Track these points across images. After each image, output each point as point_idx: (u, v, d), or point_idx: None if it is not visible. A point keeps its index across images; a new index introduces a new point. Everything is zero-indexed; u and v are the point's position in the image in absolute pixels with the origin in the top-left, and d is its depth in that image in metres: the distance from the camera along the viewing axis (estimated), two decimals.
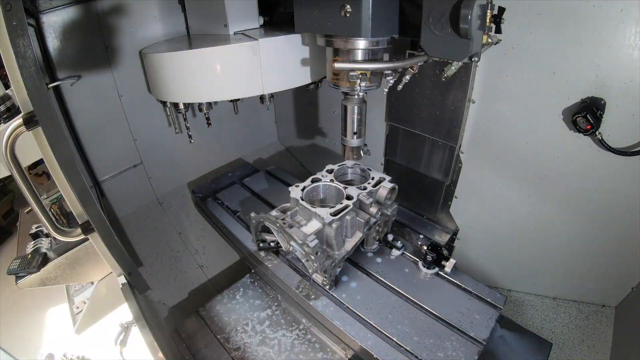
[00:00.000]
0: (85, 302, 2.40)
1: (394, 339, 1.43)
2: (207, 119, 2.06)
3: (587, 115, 1.41)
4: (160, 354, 1.49)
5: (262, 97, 1.85)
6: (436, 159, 1.99)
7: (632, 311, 1.81)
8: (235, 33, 1.83)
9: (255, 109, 2.80)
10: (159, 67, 1.78)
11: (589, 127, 1.42)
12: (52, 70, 1.83)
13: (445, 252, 1.67)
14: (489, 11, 1.08)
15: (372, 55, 1.40)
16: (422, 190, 2.16)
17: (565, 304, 2.05)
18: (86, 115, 2.03)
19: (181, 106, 1.88)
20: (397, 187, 1.68)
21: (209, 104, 1.97)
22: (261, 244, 1.80)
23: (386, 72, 1.39)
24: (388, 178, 1.69)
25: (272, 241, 1.76)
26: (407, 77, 1.46)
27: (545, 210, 1.83)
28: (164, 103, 1.99)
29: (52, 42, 1.80)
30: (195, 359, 1.61)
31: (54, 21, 1.77)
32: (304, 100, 2.77)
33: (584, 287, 1.98)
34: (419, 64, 1.35)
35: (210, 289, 2.32)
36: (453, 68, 1.35)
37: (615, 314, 1.92)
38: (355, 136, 1.60)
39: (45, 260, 1.75)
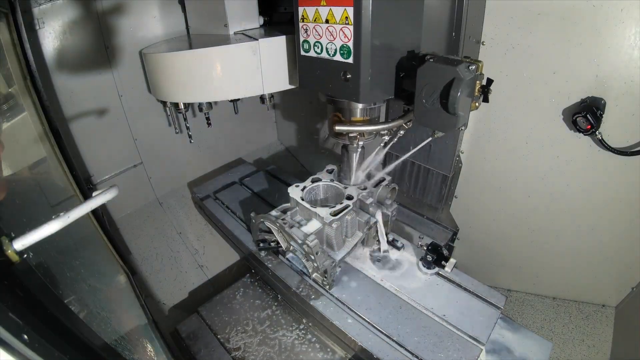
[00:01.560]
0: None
1: (394, 339, 1.43)
2: (207, 119, 2.06)
3: (587, 115, 1.41)
4: (161, 354, 1.49)
5: (262, 97, 1.85)
6: (436, 159, 1.99)
7: (632, 311, 1.81)
8: (235, 33, 1.83)
9: (255, 109, 2.79)
10: (159, 67, 1.78)
11: (589, 127, 1.42)
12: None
13: (445, 252, 1.67)
14: (478, 82, 1.12)
15: (369, 114, 1.49)
16: (422, 190, 2.16)
17: (565, 304, 2.05)
18: (86, 115, 2.03)
19: (181, 106, 1.89)
20: (397, 187, 1.68)
21: (209, 104, 1.97)
22: (261, 244, 1.80)
23: (382, 132, 1.48)
24: (388, 178, 1.69)
25: (272, 241, 1.76)
26: (402, 132, 1.52)
27: (545, 210, 1.83)
28: (164, 103, 1.99)
29: (52, 42, 1.80)
30: (195, 359, 1.61)
31: (54, 21, 1.78)
32: (304, 100, 2.77)
33: (584, 287, 1.98)
34: (412, 120, 1.41)
35: (210, 289, 2.32)
36: (441, 132, 1.38)
37: (615, 314, 1.92)
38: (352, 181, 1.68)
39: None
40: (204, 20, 1.97)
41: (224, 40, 1.74)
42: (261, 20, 1.94)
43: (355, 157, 1.61)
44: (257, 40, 1.65)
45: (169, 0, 2.10)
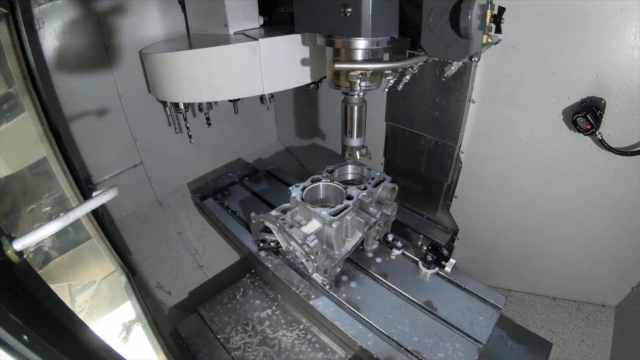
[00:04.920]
0: (87, 301, 2.40)
1: (394, 339, 1.43)
2: (207, 119, 2.06)
3: (587, 115, 1.40)
4: (161, 354, 1.49)
5: (262, 97, 1.85)
6: (436, 159, 1.99)
7: (632, 311, 1.81)
8: (235, 33, 1.83)
9: (255, 109, 2.80)
10: (159, 67, 1.78)
11: (589, 127, 1.42)
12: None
13: (445, 252, 1.67)
14: (489, 11, 1.08)
15: (372, 55, 1.39)
16: (422, 190, 2.16)
17: (565, 304, 2.05)
18: (86, 115, 2.03)
19: (181, 106, 1.89)
20: (397, 187, 1.68)
21: (209, 104, 1.97)
22: (261, 244, 1.80)
23: (386, 72, 1.39)
24: (388, 178, 1.69)
25: (272, 241, 1.76)
26: (407, 77, 1.46)
27: (545, 210, 1.83)
28: (164, 103, 1.99)
29: (52, 42, 1.80)
30: (195, 359, 1.61)
31: (54, 21, 1.78)
32: (304, 100, 2.77)
33: (584, 287, 1.98)
34: (419, 64, 1.35)
35: (210, 289, 2.32)
36: (453, 68, 1.35)
37: (615, 314, 1.92)
38: (355, 135, 1.60)
39: (47, 259, 1.75)
40: (204, 20, 1.97)
41: (224, 40, 1.74)
42: (261, 20, 1.94)
43: (355, 109, 1.50)
44: (257, 40, 1.65)
45: (169, 0, 2.09)
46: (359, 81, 1.37)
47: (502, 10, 1.23)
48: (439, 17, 1.11)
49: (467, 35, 1.06)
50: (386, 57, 1.49)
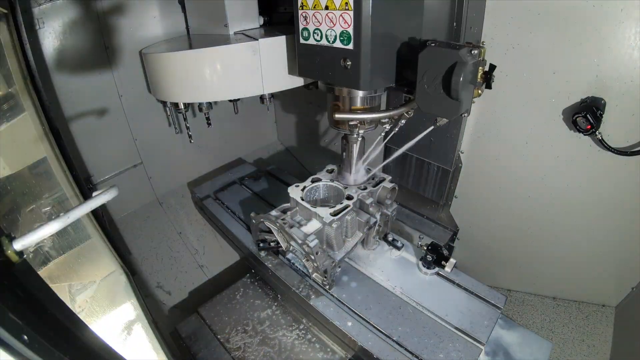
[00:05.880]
0: (87, 301, 2.40)
1: (394, 339, 1.43)
2: (207, 119, 2.06)
3: (587, 115, 1.41)
4: (161, 354, 1.49)
5: (262, 97, 1.85)
6: (436, 159, 1.99)
7: (632, 311, 1.81)
8: (235, 33, 1.83)
9: (255, 109, 2.80)
10: (159, 67, 1.78)
11: (589, 127, 1.42)
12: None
13: (445, 252, 1.67)
14: (480, 68, 1.11)
15: (370, 102, 1.46)
16: (422, 190, 2.16)
17: (565, 304, 2.05)
18: (86, 115, 2.03)
19: (181, 106, 1.88)
20: (397, 187, 1.68)
21: (209, 104, 1.97)
22: (261, 244, 1.80)
23: (383, 120, 1.46)
24: (388, 178, 1.69)
25: (272, 241, 1.76)
26: (403, 121, 1.50)
27: (545, 210, 1.83)
28: (164, 103, 1.99)
29: (52, 42, 1.80)
30: (195, 359, 1.61)
31: (54, 21, 1.78)
32: (304, 100, 2.77)
33: (584, 287, 1.98)
34: (413, 109, 1.40)
35: (210, 289, 2.32)
36: (445, 120, 1.37)
37: (615, 314, 1.92)
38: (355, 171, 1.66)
39: (47, 259, 1.75)
40: (204, 20, 1.97)
41: (224, 40, 1.74)
42: (261, 20, 1.94)
43: (355, 148, 1.58)
44: (257, 40, 1.65)
45: (169, 0, 2.09)
46: (356, 129, 1.48)
47: (492, 67, 1.27)
48: (432, 78, 1.15)
49: (457, 98, 1.10)
50: (384, 97, 1.56)
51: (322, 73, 1.39)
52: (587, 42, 1.38)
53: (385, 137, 1.53)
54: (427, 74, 1.15)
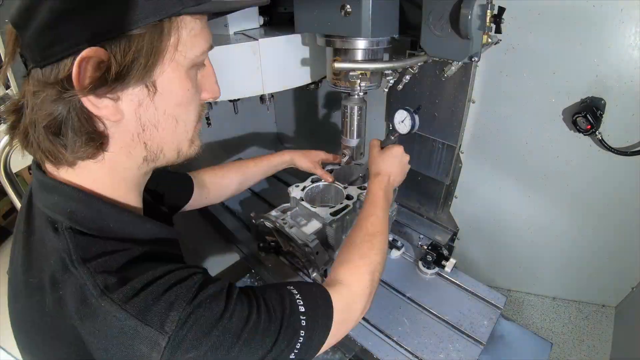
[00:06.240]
0: None
1: (394, 339, 1.43)
2: (207, 119, 2.06)
3: (587, 115, 1.40)
4: None
5: (262, 97, 1.85)
6: (436, 159, 1.99)
7: (632, 311, 1.81)
8: (235, 33, 1.83)
9: (255, 109, 2.79)
10: None
11: (589, 127, 1.42)
12: None
13: (445, 252, 1.67)
14: (488, 11, 1.08)
15: (372, 55, 1.39)
16: (422, 190, 2.16)
17: (565, 304, 2.05)
18: None
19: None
20: (397, 188, 1.68)
21: (209, 104, 1.97)
22: (261, 244, 1.80)
23: (386, 72, 1.39)
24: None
25: (272, 241, 1.76)
26: (407, 77, 1.46)
27: (545, 210, 1.83)
28: None
29: None
30: None
31: None
32: (304, 100, 2.77)
33: (584, 287, 1.98)
34: (418, 64, 1.35)
35: None
36: (453, 68, 1.35)
37: (615, 314, 1.92)
38: (355, 136, 1.60)
39: None
40: None
41: (224, 40, 1.74)
42: (261, 20, 1.94)
43: (356, 109, 1.51)
44: (257, 40, 1.65)
45: None
46: (358, 81, 1.37)
47: (502, 10, 1.23)
48: (439, 17, 1.11)
49: (467, 35, 1.06)
50: (386, 57, 1.49)
51: (321, 24, 1.34)
52: (587, 42, 1.38)
53: (388, 95, 1.48)
54: (433, 14, 1.10)
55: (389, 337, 1.44)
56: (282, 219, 1.56)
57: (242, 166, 1.70)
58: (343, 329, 0.87)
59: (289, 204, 1.67)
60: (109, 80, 0.55)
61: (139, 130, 0.63)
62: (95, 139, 0.60)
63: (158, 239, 0.72)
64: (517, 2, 1.44)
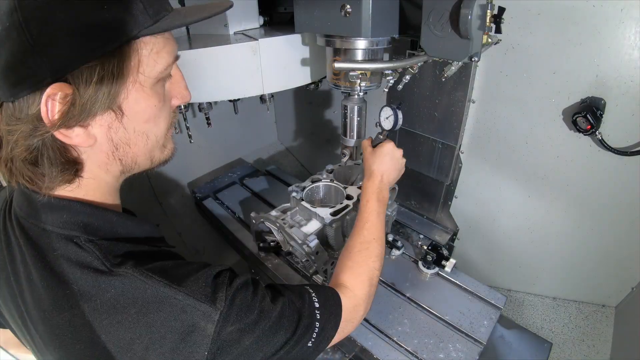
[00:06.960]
0: None
1: (394, 339, 1.43)
2: (207, 119, 2.06)
3: (587, 115, 1.40)
4: None
5: (262, 97, 1.85)
6: (436, 159, 1.99)
7: (632, 311, 1.81)
8: (235, 33, 1.83)
9: (255, 109, 2.80)
10: None
11: (589, 127, 1.42)
12: None
13: (445, 252, 1.67)
14: (489, 11, 1.08)
15: (372, 55, 1.40)
16: (422, 190, 2.16)
17: (565, 304, 2.05)
18: None
19: (181, 106, 1.88)
20: (397, 187, 1.68)
21: (209, 104, 1.97)
22: (261, 244, 1.80)
23: (386, 72, 1.39)
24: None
25: (272, 241, 1.76)
26: (407, 77, 1.46)
27: (545, 210, 1.83)
28: None
29: None
30: None
31: None
32: (304, 100, 2.77)
33: (584, 287, 1.98)
34: (418, 64, 1.36)
35: None
36: (453, 68, 1.35)
37: (615, 314, 1.92)
38: (355, 136, 1.60)
39: None
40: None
41: (224, 40, 1.74)
42: (261, 20, 1.94)
43: (356, 109, 1.51)
44: (257, 40, 1.65)
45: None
46: (358, 81, 1.38)
47: (502, 10, 1.23)
48: (439, 17, 1.11)
49: (467, 35, 1.06)
50: (386, 57, 1.49)
51: (321, 24, 1.35)
52: (587, 42, 1.38)
53: (388, 95, 1.48)
54: (433, 13, 1.11)
55: (389, 337, 1.44)
56: (282, 219, 1.56)
57: None
58: (348, 328, 0.97)
59: (289, 204, 1.67)
60: (76, 112, 0.57)
61: (112, 149, 0.67)
62: (69, 169, 0.64)
63: (153, 238, 0.81)
64: (517, 2, 1.44)
